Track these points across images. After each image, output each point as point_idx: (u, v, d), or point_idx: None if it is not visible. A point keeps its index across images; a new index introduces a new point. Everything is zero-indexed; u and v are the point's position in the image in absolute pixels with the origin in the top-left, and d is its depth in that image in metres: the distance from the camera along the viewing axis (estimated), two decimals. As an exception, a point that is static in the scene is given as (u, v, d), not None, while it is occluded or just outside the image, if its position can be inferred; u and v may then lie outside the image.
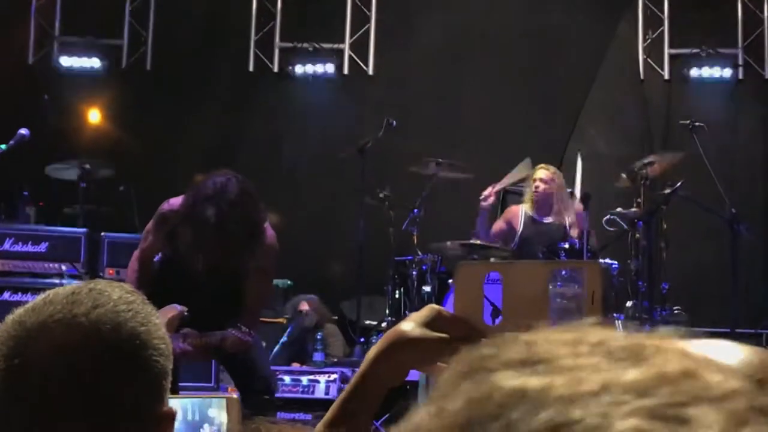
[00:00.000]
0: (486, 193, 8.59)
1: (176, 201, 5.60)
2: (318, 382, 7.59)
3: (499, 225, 8.93)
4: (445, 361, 1.60)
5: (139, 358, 1.56)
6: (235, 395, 2.55)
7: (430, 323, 1.56)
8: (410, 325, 1.56)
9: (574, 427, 0.57)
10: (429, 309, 1.59)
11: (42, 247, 8.06)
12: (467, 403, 0.61)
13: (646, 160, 8.66)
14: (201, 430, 2.42)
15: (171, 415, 1.60)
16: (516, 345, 0.65)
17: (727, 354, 0.86)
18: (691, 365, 0.62)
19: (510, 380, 0.61)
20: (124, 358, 1.55)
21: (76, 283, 1.74)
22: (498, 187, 8.71)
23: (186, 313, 5.42)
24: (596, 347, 0.63)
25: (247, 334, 5.49)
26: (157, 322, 1.62)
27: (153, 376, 1.57)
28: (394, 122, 9.03)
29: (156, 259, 5.76)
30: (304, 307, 9.51)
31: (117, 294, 1.59)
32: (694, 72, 10.92)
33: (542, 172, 8.79)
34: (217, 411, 2.44)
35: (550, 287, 8.04)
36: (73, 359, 1.51)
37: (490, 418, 0.59)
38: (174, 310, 5.49)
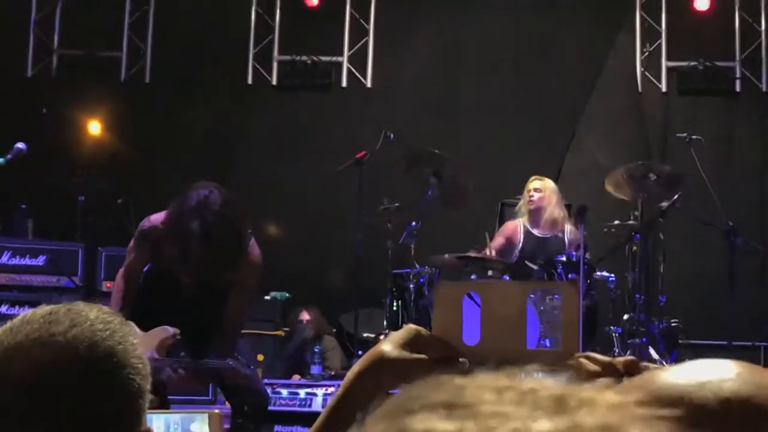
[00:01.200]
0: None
1: (157, 217, 5.60)
2: (315, 395, 7.58)
3: (498, 242, 8.94)
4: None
5: (116, 376, 1.56)
6: (216, 410, 2.55)
7: (408, 344, 1.57)
8: (389, 346, 1.57)
9: None
10: (407, 330, 1.60)
11: (39, 261, 8.07)
12: None
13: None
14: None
15: None
16: (446, 388, 0.64)
17: (718, 382, 0.89)
18: (614, 420, 0.61)
19: (421, 423, 0.60)
20: (101, 376, 1.55)
21: (65, 299, 1.74)
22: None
23: (178, 336, 5.42)
24: (524, 395, 0.63)
25: (246, 366, 5.49)
26: (134, 342, 1.62)
27: (130, 394, 1.58)
28: (392, 135, 9.04)
29: (144, 270, 5.76)
30: (305, 316, 9.52)
31: (94, 314, 1.60)
32: (691, 85, 10.93)
33: (536, 183, 8.81)
34: (200, 425, 2.45)
35: (547, 299, 8.05)
36: (50, 377, 1.52)
37: None
38: (166, 332, 5.49)
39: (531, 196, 8.73)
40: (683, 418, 0.70)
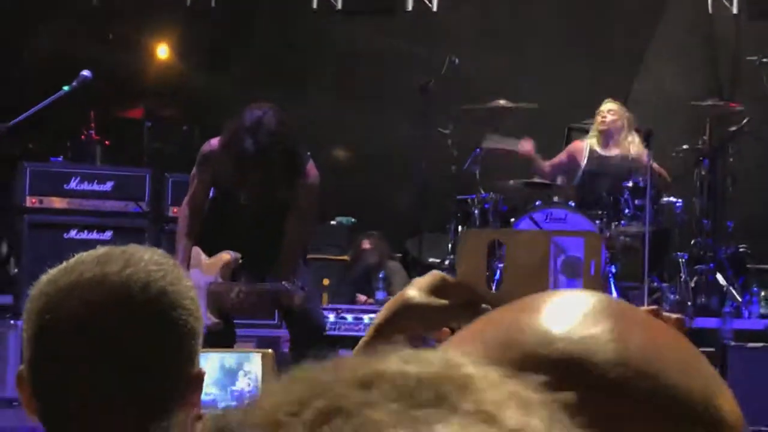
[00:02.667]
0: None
1: (216, 140, 5.67)
2: (377, 319, 7.62)
3: (559, 158, 8.90)
4: (448, 327, 1.63)
5: (169, 317, 1.58)
6: (270, 350, 2.59)
7: (433, 289, 1.58)
8: (414, 292, 1.57)
9: None
10: (432, 276, 1.60)
11: (107, 186, 8.16)
12: None
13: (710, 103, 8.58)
14: (237, 380, 2.48)
15: (200, 377, 1.63)
16: (311, 386, 0.60)
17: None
18: (490, 408, 0.58)
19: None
20: (153, 317, 1.57)
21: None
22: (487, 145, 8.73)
23: (240, 261, 5.49)
24: (395, 386, 0.58)
25: (300, 288, 5.54)
26: (188, 284, 1.64)
27: (183, 335, 1.60)
28: (457, 60, 9.00)
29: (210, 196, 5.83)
30: (366, 245, 9.56)
31: (148, 256, 1.62)
32: (763, 7, 10.72)
33: (610, 104, 8.74)
34: (253, 364, 2.49)
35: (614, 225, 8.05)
36: (103, 315, 1.55)
37: None
38: (228, 255, 5.56)
39: (604, 117, 8.65)
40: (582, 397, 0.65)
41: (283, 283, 5.54)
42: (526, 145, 8.74)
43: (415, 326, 1.58)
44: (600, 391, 0.73)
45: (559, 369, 0.73)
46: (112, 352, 1.54)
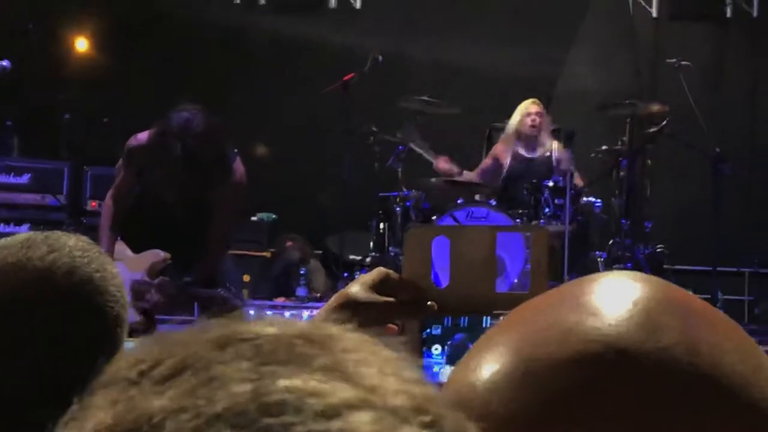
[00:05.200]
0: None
1: (143, 136, 5.62)
2: (301, 317, 7.62)
3: (486, 163, 8.96)
4: (392, 324, 1.62)
5: (94, 303, 1.56)
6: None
7: (378, 286, 1.58)
8: (358, 288, 1.58)
9: None
10: (376, 272, 1.61)
11: (24, 179, 8.06)
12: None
13: (628, 101, 8.67)
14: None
15: None
16: (168, 346, 0.59)
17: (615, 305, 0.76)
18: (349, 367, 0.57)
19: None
20: (78, 302, 1.55)
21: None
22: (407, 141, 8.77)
23: (169, 261, 5.46)
24: (251, 347, 0.58)
25: (237, 296, 5.54)
26: (113, 271, 1.62)
27: (108, 322, 1.58)
28: (381, 58, 9.00)
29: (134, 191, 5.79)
30: (289, 243, 9.55)
31: (73, 242, 1.60)
32: (682, 10, 10.86)
33: (536, 107, 8.78)
34: None
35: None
36: (27, 301, 1.52)
37: None
38: (157, 256, 5.52)
39: (533, 120, 8.70)
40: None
41: (219, 290, 5.53)
42: (442, 164, 8.76)
43: (358, 322, 1.57)
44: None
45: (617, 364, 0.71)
46: (34, 338, 1.51)
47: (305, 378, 0.55)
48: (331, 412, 0.53)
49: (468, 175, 8.82)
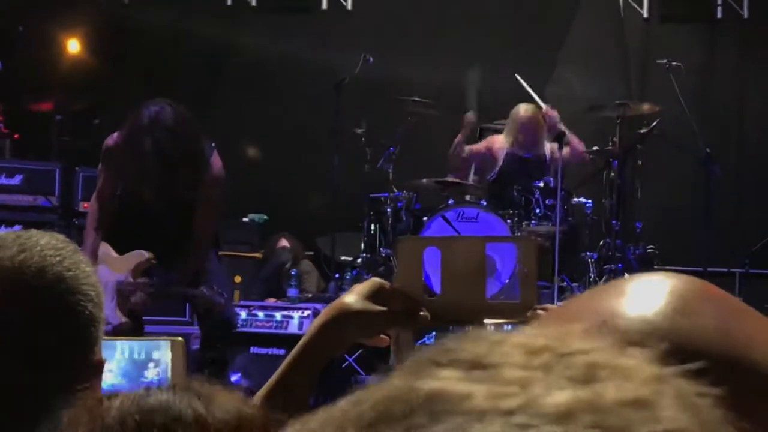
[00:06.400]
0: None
1: (117, 133, 5.60)
2: (291, 317, 7.62)
3: (478, 147, 8.94)
4: (385, 334, 1.64)
5: (66, 303, 1.55)
6: (180, 338, 2.57)
7: (372, 296, 1.60)
8: (353, 298, 1.60)
9: None
10: (371, 282, 1.63)
11: (16, 180, 8.05)
12: (385, 398, 0.57)
13: (619, 102, 8.70)
14: (146, 369, 2.46)
15: (100, 364, 1.60)
16: (481, 343, 0.60)
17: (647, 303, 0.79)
18: (647, 395, 0.56)
19: (436, 381, 0.57)
20: (49, 302, 1.54)
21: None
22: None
23: (153, 261, 5.44)
24: (559, 359, 0.58)
25: (219, 294, 5.52)
26: (87, 269, 1.61)
27: (81, 322, 1.56)
28: (371, 59, 9.01)
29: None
30: (283, 243, 9.54)
31: (45, 241, 1.59)
32: (672, 11, 10.89)
33: (531, 112, 8.78)
34: (163, 353, 2.47)
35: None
36: None
37: (395, 419, 0.55)
38: (141, 256, 5.51)
39: (524, 126, 8.70)
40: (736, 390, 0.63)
41: (202, 288, 5.51)
42: (471, 117, 8.82)
43: (353, 332, 1.59)
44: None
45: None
46: (6, 339, 1.51)
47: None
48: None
49: (464, 147, 8.81)
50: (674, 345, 0.69)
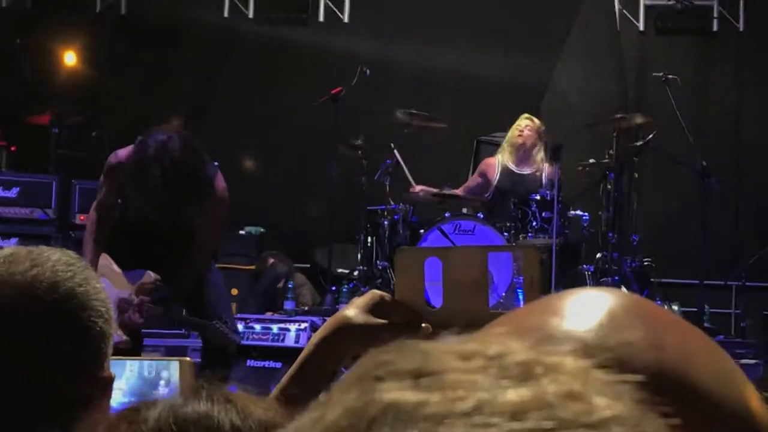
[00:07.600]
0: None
1: (123, 153, 5.60)
2: (288, 330, 7.61)
3: (474, 180, 8.97)
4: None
5: (77, 318, 1.55)
6: (188, 358, 2.58)
7: (372, 309, 1.60)
8: (353, 311, 1.60)
9: None
10: (371, 295, 1.63)
11: (13, 193, 8.05)
12: (344, 413, 0.59)
13: (618, 116, 8.70)
14: (156, 389, 2.46)
15: (109, 380, 1.60)
16: (413, 354, 0.62)
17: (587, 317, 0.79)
18: (578, 387, 0.59)
19: (388, 393, 0.58)
20: (60, 317, 1.54)
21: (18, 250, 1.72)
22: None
23: (159, 282, 5.45)
24: (491, 361, 0.60)
25: (234, 331, 5.57)
26: (97, 285, 1.61)
27: (91, 337, 1.57)
28: (368, 71, 9.01)
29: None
30: (270, 261, 9.55)
31: (56, 256, 1.59)
32: (669, 24, 10.91)
33: (527, 121, 8.80)
34: (172, 372, 2.47)
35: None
36: (8, 315, 1.52)
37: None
38: (148, 276, 5.52)
39: (521, 132, 8.72)
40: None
41: (215, 322, 5.54)
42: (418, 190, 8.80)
43: (354, 345, 1.59)
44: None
45: None
46: (17, 353, 1.51)
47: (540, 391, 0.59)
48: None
49: (455, 193, 8.81)
50: (604, 360, 0.69)
